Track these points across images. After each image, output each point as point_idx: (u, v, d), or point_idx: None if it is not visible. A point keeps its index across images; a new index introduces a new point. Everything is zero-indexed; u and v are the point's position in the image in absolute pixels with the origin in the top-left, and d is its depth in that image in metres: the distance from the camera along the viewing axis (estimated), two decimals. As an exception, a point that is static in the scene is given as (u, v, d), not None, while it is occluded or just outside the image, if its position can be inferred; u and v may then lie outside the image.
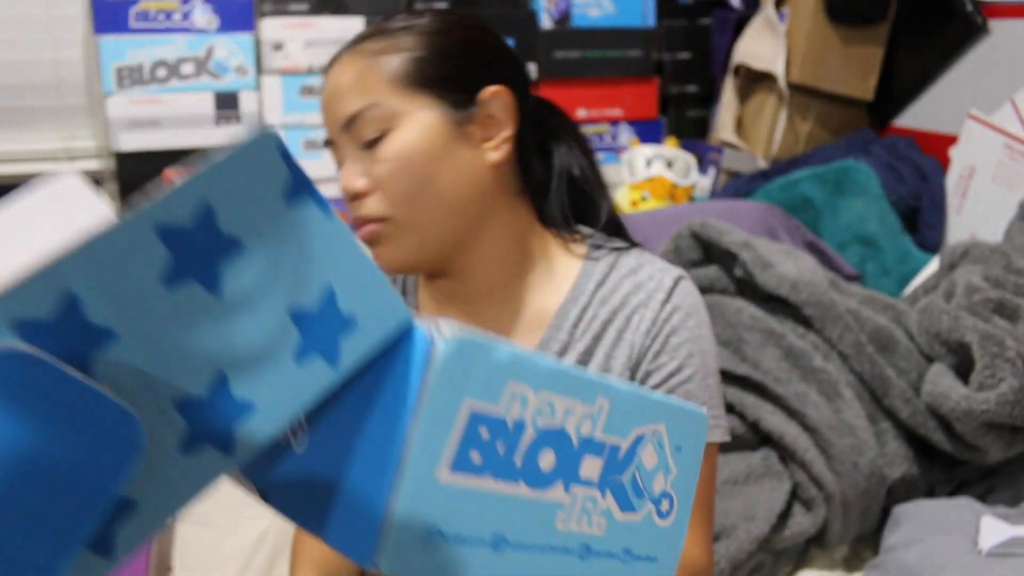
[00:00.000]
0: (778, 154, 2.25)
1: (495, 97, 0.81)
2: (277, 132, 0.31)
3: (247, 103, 2.11)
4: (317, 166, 2.18)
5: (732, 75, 2.37)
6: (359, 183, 0.78)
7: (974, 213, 1.91)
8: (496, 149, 0.81)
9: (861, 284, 1.89)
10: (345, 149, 0.80)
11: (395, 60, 0.78)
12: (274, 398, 0.31)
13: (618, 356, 0.81)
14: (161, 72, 2.06)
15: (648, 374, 0.81)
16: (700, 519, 0.81)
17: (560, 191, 0.87)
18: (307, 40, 2.12)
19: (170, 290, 0.29)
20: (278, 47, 2.12)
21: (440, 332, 0.36)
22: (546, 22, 2.33)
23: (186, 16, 2.07)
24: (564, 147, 0.90)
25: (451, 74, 0.80)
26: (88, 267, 0.27)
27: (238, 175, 0.30)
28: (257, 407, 0.31)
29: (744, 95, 2.36)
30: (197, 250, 0.29)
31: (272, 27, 2.10)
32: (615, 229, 0.90)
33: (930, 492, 1.37)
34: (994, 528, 1.11)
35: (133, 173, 2.08)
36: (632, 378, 0.81)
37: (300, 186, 0.32)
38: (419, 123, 0.78)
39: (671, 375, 0.81)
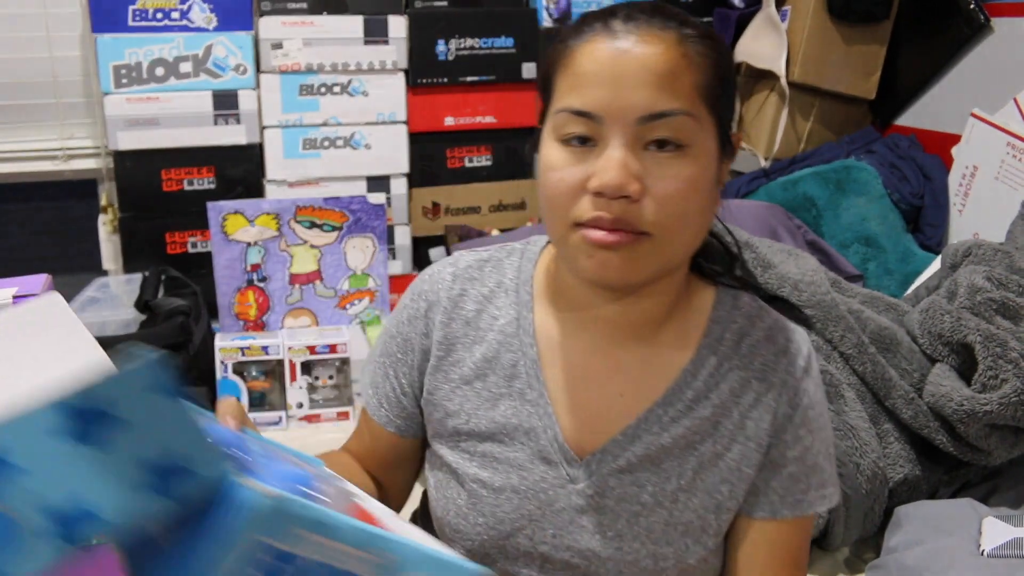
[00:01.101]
0: (779, 153, 2.24)
1: (737, 141, 0.78)
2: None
3: (246, 102, 2.11)
4: (317, 165, 2.17)
5: (733, 74, 2.36)
6: (635, 186, 0.69)
7: (977, 212, 1.90)
8: (719, 190, 0.76)
9: (863, 284, 1.89)
10: (619, 135, 0.69)
11: (709, 69, 0.71)
12: (119, 510, 0.45)
13: (755, 418, 0.78)
14: (159, 71, 2.05)
15: (788, 444, 0.79)
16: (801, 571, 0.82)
17: None
18: (306, 39, 2.11)
19: (66, 444, 0.44)
20: (277, 46, 2.11)
21: (259, 488, 0.47)
22: (546, 20, 2.32)
23: (184, 15, 2.06)
24: None
25: (730, 104, 0.75)
26: (12, 436, 0.43)
27: (123, 386, 0.44)
28: (104, 517, 0.45)
29: (745, 94, 2.36)
30: (88, 420, 0.44)
31: (271, 26, 2.10)
32: (735, 265, 0.86)
33: (933, 494, 1.36)
34: (996, 529, 1.10)
35: (131, 172, 2.08)
36: (770, 444, 0.79)
37: (159, 383, 0.44)
38: (708, 148, 0.72)
39: (808, 449, 0.79)
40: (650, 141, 0.69)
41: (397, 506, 0.94)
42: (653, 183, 0.69)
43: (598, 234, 0.70)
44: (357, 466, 0.90)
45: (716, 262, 0.85)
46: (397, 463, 0.91)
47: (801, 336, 0.81)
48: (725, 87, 0.73)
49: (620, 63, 0.69)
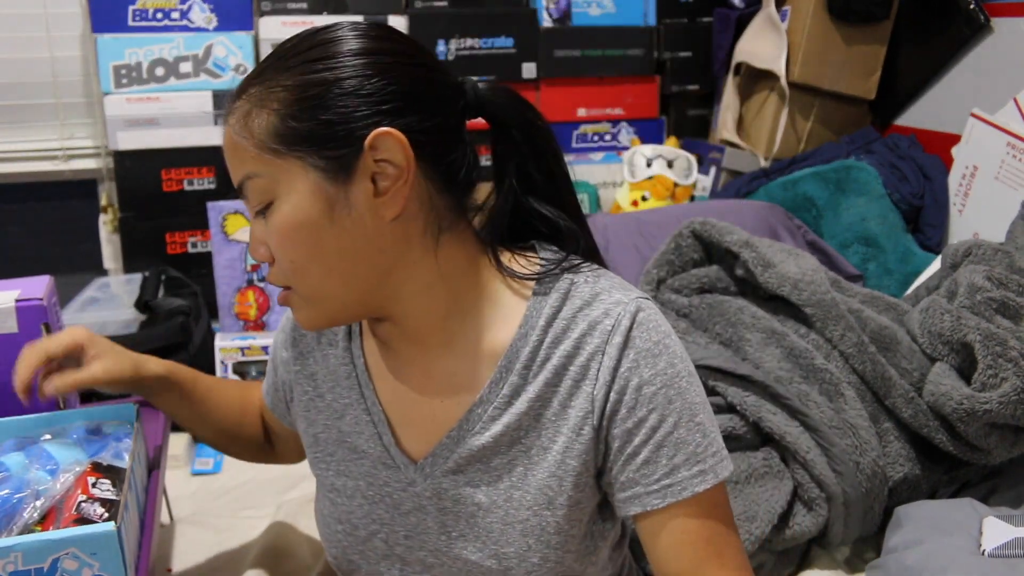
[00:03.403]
0: (779, 153, 2.25)
1: (381, 141, 0.69)
2: None
3: (246, 102, 2.11)
4: (316, 165, 2.17)
5: (733, 74, 2.36)
6: (259, 252, 0.75)
7: (976, 212, 1.90)
8: (393, 201, 0.71)
9: (863, 284, 1.89)
10: (248, 209, 0.76)
11: (263, 120, 0.70)
12: None
13: (575, 406, 0.75)
14: (159, 71, 2.06)
15: (630, 433, 0.74)
16: (721, 553, 0.75)
17: (502, 211, 0.80)
18: (306, 38, 2.11)
19: None
20: (277, 45, 2.11)
21: None
22: (546, 20, 2.32)
23: (184, 15, 2.06)
24: (512, 156, 0.80)
25: (322, 128, 0.69)
26: None
27: None
28: None
29: (745, 94, 2.36)
30: None
31: (271, 25, 2.10)
32: (575, 245, 0.81)
33: (932, 493, 1.37)
34: (997, 529, 1.10)
35: (131, 172, 2.08)
36: (599, 433, 0.75)
37: None
38: (295, 191, 0.70)
39: (655, 429, 0.74)
40: (251, 205, 0.74)
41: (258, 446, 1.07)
42: (269, 243, 0.73)
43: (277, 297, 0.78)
44: (241, 407, 1.04)
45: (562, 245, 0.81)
46: (276, 429, 1.03)
47: (624, 309, 0.75)
48: (311, 110, 0.69)
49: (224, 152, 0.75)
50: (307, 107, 0.69)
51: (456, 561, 0.80)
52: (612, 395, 0.74)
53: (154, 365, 0.95)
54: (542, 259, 0.79)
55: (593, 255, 0.82)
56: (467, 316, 0.77)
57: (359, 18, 2.14)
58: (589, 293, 0.76)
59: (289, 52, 0.72)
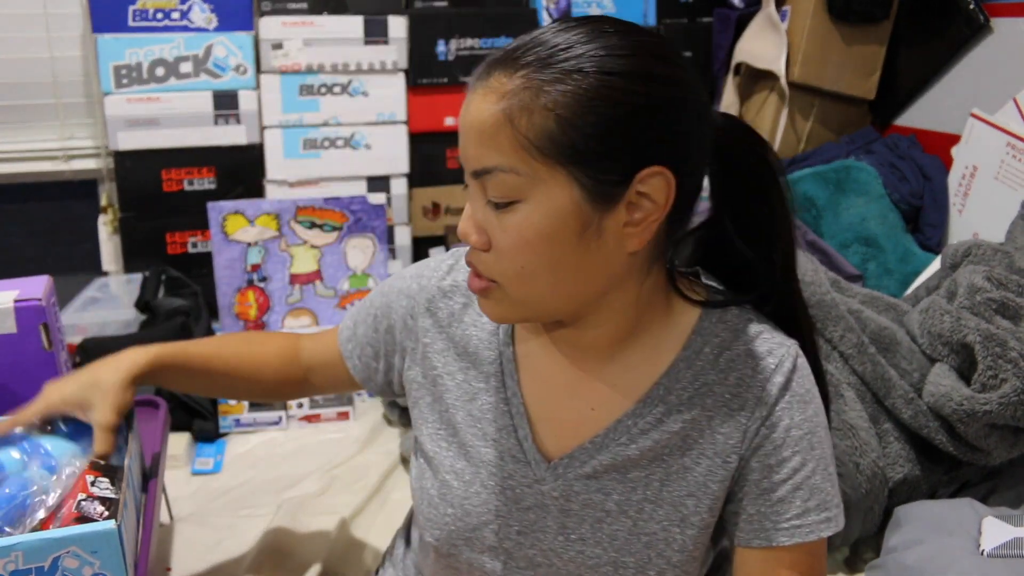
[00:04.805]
0: (779, 153, 2.24)
1: (653, 179, 0.67)
2: None
3: (246, 102, 2.11)
4: (317, 166, 2.17)
5: (733, 74, 2.36)
6: (475, 238, 0.71)
7: (976, 212, 1.90)
8: (641, 235, 0.69)
9: (863, 284, 1.89)
10: (471, 186, 0.71)
11: (542, 120, 0.65)
12: None
13: (726, 434, 0.76)
14: (159, 71, 2.06)
15: (770, 469, 0.76)
16: None
17: (702, 244, 0.80)
18: (306, 39, 2.11)
19: None
20: (277, 46, 2.11)
21: None
22: (546, 20, 2.32)
23: (184, 15, 2.06)
24: (735, 197, 0.77)
25: (606, 150, 0.65)
26: None
27: None
28: None
29: (745, 94, 2.36)
30: None
31: (271, 26, 2.10)
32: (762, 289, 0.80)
33: (932, 493, 1.37)
34: (996, 529, 1.10)
35: (131, 172, 2.08)
36: (748, 466, 0.77)
37: None
38: (552, 201, 0.66)
39: (796, 471, 0.76)
40: (485, 194, 0.69)
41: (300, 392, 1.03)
42: (494, 235, 0.69)
43: (469, 278, 0.74)
44: (254, 363, 0.99)
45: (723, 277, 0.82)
46: (327, 372, 0.98)
47: (787, 351, 0.77)
48: (599, 131, 0.64)
49: (465, 118, 0.69)
50: (595, 124, 0.65)
51: (569, 564, 0.80)
52: (763, 430, 0.76)
53: (140, 367, 0.94)
54: (707, 285, 0.81)
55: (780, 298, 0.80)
56: (642, 335, 0.78)
57: (359, 18, 2.14)
58: (754, 330, 0.78)
59: (579, 45, 0.66)
